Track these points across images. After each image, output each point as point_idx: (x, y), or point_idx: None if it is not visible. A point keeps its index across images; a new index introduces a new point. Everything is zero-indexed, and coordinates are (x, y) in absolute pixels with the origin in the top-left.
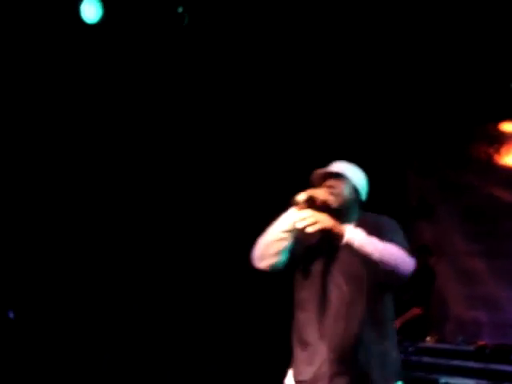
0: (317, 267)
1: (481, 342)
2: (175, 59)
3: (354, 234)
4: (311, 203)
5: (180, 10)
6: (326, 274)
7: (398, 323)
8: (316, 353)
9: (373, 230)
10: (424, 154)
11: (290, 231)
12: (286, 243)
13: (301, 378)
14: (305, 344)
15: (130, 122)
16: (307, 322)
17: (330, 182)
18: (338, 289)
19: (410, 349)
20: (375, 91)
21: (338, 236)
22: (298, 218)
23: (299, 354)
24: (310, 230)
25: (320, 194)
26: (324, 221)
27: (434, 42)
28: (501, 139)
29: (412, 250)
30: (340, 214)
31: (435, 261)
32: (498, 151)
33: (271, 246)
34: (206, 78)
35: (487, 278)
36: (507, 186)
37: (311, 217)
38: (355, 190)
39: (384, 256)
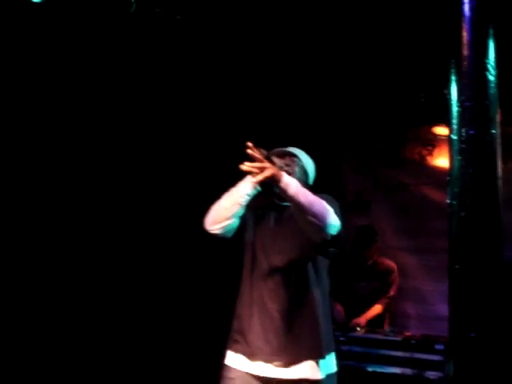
0: (259, 236)
1: (407, 333)
2: (118, 44)
3: (291, 181)
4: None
5: None
6: (265, 244)
7: (363, 321)
8: (250, 325)
9: None
10: (361, 151)
11: (244, 197)
12: (239, 208)
13: (237, 350)
14: (239, 316)
15: (66, 107)
16: (242, 293)
17: (286, 161)
18: (273, 258)
19: (342, 339)
20: (314, 88)
21: (278, 181)
22: (251, 165)
23: (235, 326)
24: (259, 177)
25: (278, 161)
26: (270, 168)
27: (372, 42)
28: (434, 141)
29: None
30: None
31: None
32: (430, 153)
33: (226, 209)
34: (148, 69)
35: (416, 273)
36: (438, 186)
37: (260, 164)
38: (305, 173)
39: (313, 206)
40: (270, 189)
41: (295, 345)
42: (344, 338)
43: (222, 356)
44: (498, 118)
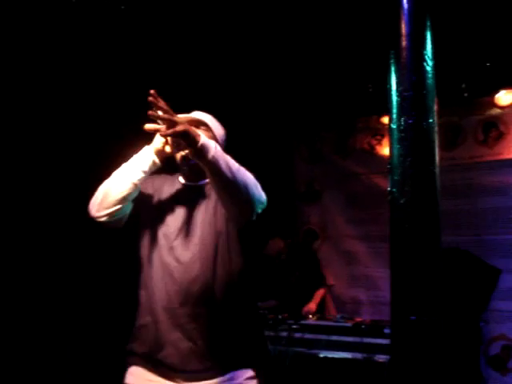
0: (161, 226)
1: (358, 319)
2: (62, 37)
3: (209, 142)
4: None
5: None
6: (169, 235)
7: (313, 306)
8: (157, 336)
9: None
10: (312, 141)
11: (139, 174)
12: (133, 189)
13: (142, 350)
14: (142, 326)
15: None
16: (142, 296)
17: None
18: (180, 253)
19: (294, 326)
20: (265, 78)
21: (193, 140)
22: (157, 116)
23: (137, 338)
24: (168, 132)
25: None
26: (182, 122)
27: (319, 34)
28: (383, 131)
29: (299, 234)
30: (196, 169)
31: (320, 244)
32: (379, 142)
33: (116, 190)
34: (90, 60)
35: (366, 260)
36: (386, 175)
37: (169, 116)
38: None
39: (238, 174)
40: (172, 164)
41: (217, 354)
42: (296, 326)
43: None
44: (435, 107)
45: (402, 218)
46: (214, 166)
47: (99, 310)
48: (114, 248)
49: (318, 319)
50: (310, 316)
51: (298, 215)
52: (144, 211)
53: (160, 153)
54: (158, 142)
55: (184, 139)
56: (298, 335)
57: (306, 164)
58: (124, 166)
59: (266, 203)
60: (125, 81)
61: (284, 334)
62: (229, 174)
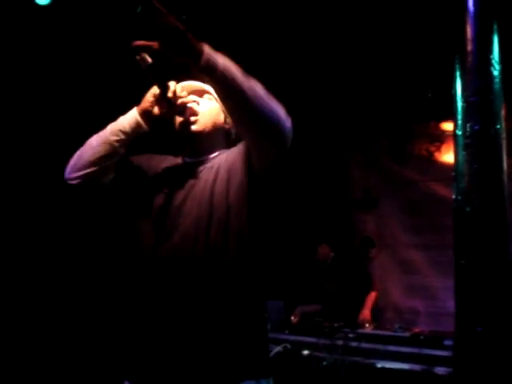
0: (155, 207)
1: (416, 329)
2: (125, 44)
3: (216, 55)
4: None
5: None
6: (164, 220)
7: (367, 313)
8: (146, 340)
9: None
10: (369, 148)
11: (119, 134)
12: (111, 151)
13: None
14: (133, 320)
15: (76, 107)
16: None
17: (194, 97)
18: (177, 238)
19: (350, 335)
20: (322, 85)
21: (195, 53)
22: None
23: (129, 332)
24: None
25: (180, 92)
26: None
27: (379, 39)
28: (441, 137)
29: (355, 241)
30: (199, 141)
31: (376, 252)
32: (438, 149)
33: (91, 149)
34: (156, 68)
35: (424, 269)
36: (446, 182)
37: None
38: (225, 117)
39: (257, 91)
40: (163, 130)
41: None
42: (353, 335)
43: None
44: (502, 112)
45: (468, 226)
46: (226, 76)
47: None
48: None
49: (375, 328)
50: (367, 325)
51: (354, 223)
52: (134, 190)
53: (147, 114)
54: (146, 100)
55: (181, 50)
56: (354, 344)
57: (363, 171)
58: (107, 126)
59: (291, 128)
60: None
61: (340, 342)
62: (245, 85)
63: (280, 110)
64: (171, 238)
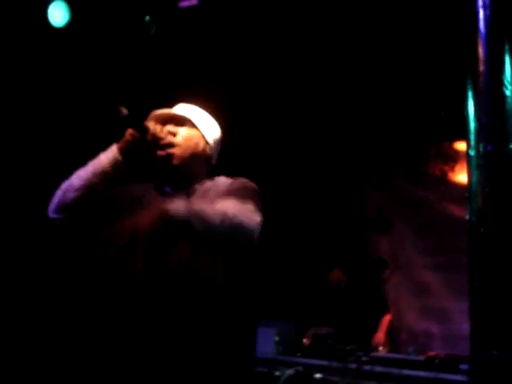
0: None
1: (431, 353)
2: (141, 67)
3: (175, 207)
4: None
5: (147, 18)
6: (146, 247)
7: (382, 336)
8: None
9: (211, 192)
10: (382, 169)
11: (100, 174)
12: (91, 191)
13: None
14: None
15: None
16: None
17: (171, 128)
18: (159, 268)
19: (364, 358)
20: (335, 106)
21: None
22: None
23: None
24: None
25: (156, 128)
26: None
27: (394, 63)
28: (455, 157)
29: (367, 263)
30: (178, 173)
31: (390, 273)
32: (452, 169)
33: (71, 191)
34: (166, 89)
35: (439, 291)
36: (461, 202)
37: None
38: (204, 143)
39: (224, 222)
40: (142, 166)
41: None
42: (366, 358)
43: None
44: None
45: (482, 247)
46: (178, 220)
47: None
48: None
49: (389, 352)
50: (380, 348)
51: (367, 244)
52: (116, 222)
53: (127, 152)
54: (126, 140)
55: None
56: (367, 368)
57: (376, 191)
58: (91, 162)
59: (260, 223)
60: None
61: (353, 366)
62: (214, 226)
63: (244, 220)
64: (154, 269)
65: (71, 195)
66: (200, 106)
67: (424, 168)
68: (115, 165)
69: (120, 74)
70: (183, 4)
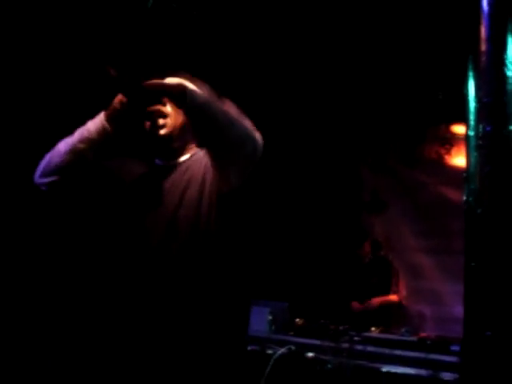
0: (126, 214)
1: (423, 334)
2: (137, 43)
3: (195, 91)
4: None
5: None
6: (134, 225)
7: (375, 302)
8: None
9: (204, 161)
10: (378, 151)
11: (87, 140)
12: (77, 158)
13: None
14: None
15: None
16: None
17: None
18: (148, 246)
19: (356, 338)
20: (332, 88)
21: (179, 91)
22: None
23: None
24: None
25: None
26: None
27: (389, 40)
28: (452, 140)
29: (363, 244)
30: (168, 144)
31: (385, 255)
32: (448, 152)
33: (57, 158)
34: (165, 65)
35: (433, 274)
36: (456, 185)
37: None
38: None
39: (227, 118)
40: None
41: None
42: (358, 338)
43: None
44: None
45: (479, 228)
46: (206, 118)
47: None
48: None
49: (381, 332)
50: (373, 328)
51: (363, 225)
52: (106, 195)
53: (115, 118)
54: (114, 106)
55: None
56: (359, 347)
57: (372, 173)
58: (75, 132)
59: (261, 144)
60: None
61: (345, 345)
62: (226, 124)
63: (249, 131)
64: (145, 240)
65: (57, 160)
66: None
67: (420, 150)
68: (102, 132)
69: (113, 37)
70: None
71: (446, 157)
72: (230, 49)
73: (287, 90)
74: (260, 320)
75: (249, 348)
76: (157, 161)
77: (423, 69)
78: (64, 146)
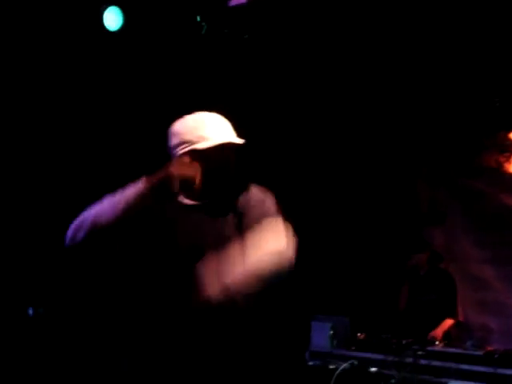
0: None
1: (489, 348)
2: (193, 68)
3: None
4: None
5: (198, 19)
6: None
7: (439, 333)
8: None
9: (256, 210)
10: (435, 162)
11: (133, 204)
12: (123, 223)
13: None
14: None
15: (145, 129)
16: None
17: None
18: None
19: (420, 352)
20: (387, 101)
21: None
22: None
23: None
24: None
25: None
26: None
27: (445, 52)
28: (511, 148)
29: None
30: (228, 188)
31: (445, 266)
32: (508, 160)
33: (102, 223)
34: (220, 87)
35: (496, 285)
36: None
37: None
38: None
39: (263, 272)
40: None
41: None
42: (423, 352)
43: None
44: None
45: None
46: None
47: None
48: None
49: (446, 346)
50: (437, 342)
51: (423, 237)
52: (144, 240)
53: (156, 191)
54: (159, 177)
55: None
56: (424, 362)
57: (430, 185)
58: (119, 194)
59: (291, 258)
60: None
61: (409, 359)
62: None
63: (279, 263)
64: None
65: (99, 224)
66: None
67: (478, 160)
68: (142, 199)
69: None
70: (232, 3)
71: (506, 165)
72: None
73: (343, 104)
74: (321, 335)
75: (311, 363)
76: (187, 200)
77: (479, 77)
78: (105, 213)
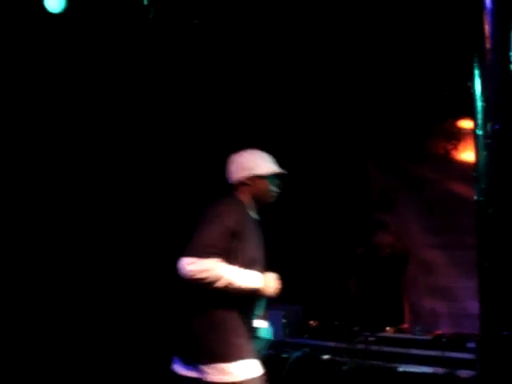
0: (254, 250)
1: (437, 332)
2: (138, 52)
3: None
4: None
5: (145, 2)
6: (258, 257)
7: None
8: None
9: None
10: (385, 148)
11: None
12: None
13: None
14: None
15: (88, 113)
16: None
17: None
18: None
19: (371, 338)
20: (337, 87)
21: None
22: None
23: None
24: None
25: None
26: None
27: (394, 41)
28: (458, 135)
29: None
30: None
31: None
32: (455, 147)
33: (214, 283)
34: (168, 73)
35: (445, 270)
36: (464, 180)
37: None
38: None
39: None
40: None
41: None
42: (373, 338)
43: None
44: None
45: (491, 228)
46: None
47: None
48: None
49: (396, 332)
50: (388, 328)
51: (372, 223)
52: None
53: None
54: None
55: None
56: (375, 348)
57: (380, 171)
58: (238, 278)
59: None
60: None
61: (361, 346)
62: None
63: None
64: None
65: (211, 283)
66: None
67: (427, 146)
68: (250, 292)
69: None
70: None
71: (454, 152)
72: (230, 51)
73: (293, 91)
74: (274, 324)
75: (263, 353)
76: (253, 215)
77: (428, 65)
78: (224, 282)
